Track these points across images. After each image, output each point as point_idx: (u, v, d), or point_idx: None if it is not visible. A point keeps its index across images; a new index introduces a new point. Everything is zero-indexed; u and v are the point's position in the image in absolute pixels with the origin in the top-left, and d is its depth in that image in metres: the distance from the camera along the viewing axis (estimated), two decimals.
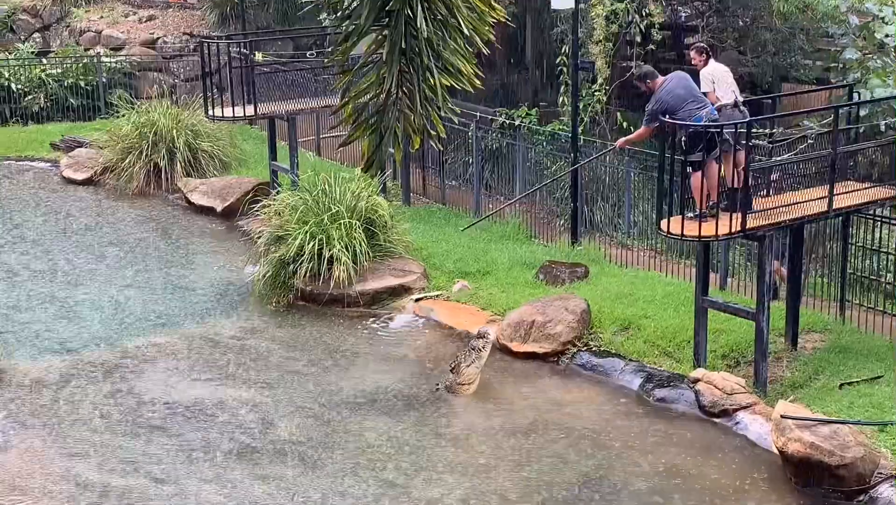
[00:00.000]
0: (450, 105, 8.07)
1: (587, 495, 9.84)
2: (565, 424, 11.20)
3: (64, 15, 29.10)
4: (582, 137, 16.06)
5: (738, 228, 10.86)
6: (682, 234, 11.05)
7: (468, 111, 17.27)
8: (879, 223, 12.65)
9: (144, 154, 19.89)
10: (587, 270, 14.51)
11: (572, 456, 10.53)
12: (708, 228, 10.91)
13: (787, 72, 18.10)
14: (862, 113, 13.38)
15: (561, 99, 17.85)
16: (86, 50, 27.15)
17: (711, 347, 11.92)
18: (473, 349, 11.92)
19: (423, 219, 17.26)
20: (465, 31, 7.83)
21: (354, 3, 7.96)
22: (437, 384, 12.05)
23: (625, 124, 17.18)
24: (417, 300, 14.31)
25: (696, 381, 11.29)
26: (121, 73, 25.71)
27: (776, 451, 9.93)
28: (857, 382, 10.96)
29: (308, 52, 20.50)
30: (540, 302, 13.18)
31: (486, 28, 8.05)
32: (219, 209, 18.63)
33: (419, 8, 7.56)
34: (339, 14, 8.26)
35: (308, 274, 14.35)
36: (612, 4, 17.31)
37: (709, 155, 11.20)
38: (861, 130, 13.29)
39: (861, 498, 9.41)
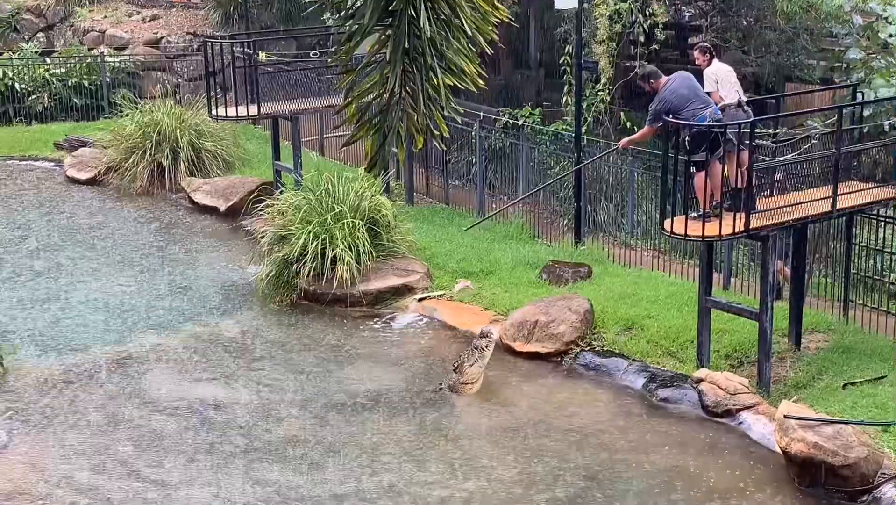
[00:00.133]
0: (453, 105, 8.07)
1: (590, 495, 9.83)
2: (568, 423, 11.20)
3: (68, 14, 29.11)
4: (585, 137, 16.05)
5: (742, 228, 10.85)
6: (686, 235, 11.05)
7: (471, 111, 17.27)
8: (883, 223, 12.63)
9: (148, 154, 19.89)
10: (590, 269, 14.50)
11: (575, 456, 10.53)
12: (711, 228, 10.91)
13: (791, 71, 18.09)
14: (866, 113, 13.37)
15: (564, 99, 17.83)
16: (89, 49, 27.15)
17: (715, 347, 11.91)
18: (476, 348, 11.92)
19: (426, 218, 17.26)
20: (469, 30, 7.83)
21: (358, 3, 7.97)
22: (441, 384, 12.05)
23: (628, 124, 17.18)
24: (421, 300, 14.31)
25: (700, 381, 11.28)
26: (124, 73, 25.72)
27: (779, 451, 9.92)
28: (860, 382, 10.96)
29: (311, 52, 20.49)
30: (543, 302, 13.17)
31: (490, 28, 8.05)
32: (222, 209, 18.64)
33: (422, 8, 7.56)
34: (342, 14, 8.26)
35: (311, 274, 14.36)
36: (615, 4, 17.30)
37: (712, 155, 11.20)
38: (865, 130, 13.29)
39: (864, 498, 9.40)
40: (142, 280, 15.79)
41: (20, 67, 25.31)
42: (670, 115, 11.45)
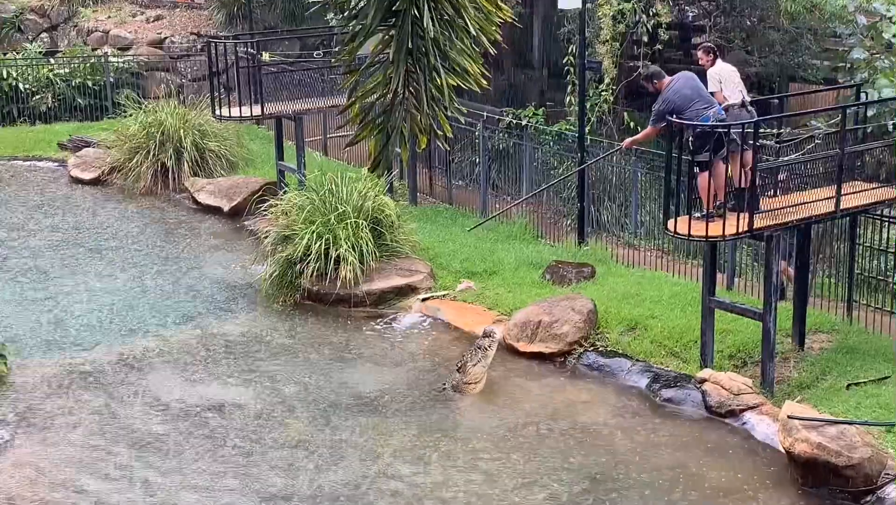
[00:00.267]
0: (456, 105, 8.07)
1: (593, 495, 9.83)
2: (571, 423, 11.20)
3: (71, 15, 29.15)
4: (589, 137, 16.04)
5: (746, 228, 10.85)
6: (689, 235, 11.04)
7: (475, 111, 17.27)
8: (887, 223, 12.62)
9: (152, 154, 19.91)
10: (594, 270, 14.50)
11: (578, 456, 10.53)
12: (715, 228, 10.91)
13: (795, 72, 18.07)
14: (870, 113, 13.34)
15: (568, 99, 17.83)
16: (93, 50, 27.18)
17: (718, 347, 11.90)
18: (480, 348, 11.92)
19: (429, 219, 17.26)
20: (472, 31, 7.84)
21: (361, 3, 7.97)
22: (444, 384, 12.05)
23: (632, 124, 17.16)
24: (424, 300, 14.31)
25: (703, 381, 11.28)
26: (128, 73, 25.74)
27: (783, 451, 9.91)
28: (864, 382, 10.95)
29: (315, 52, 20.50)
30: (546, 302, 13.17)
31: (493, 28, 8.05)
32: (226, 209, 18.66)
33: (426, 8, 7.56)
34: (345, 14, 8.27)
35: (315, 274, 14.36)
36: (619, 4, 17.29)
37: (716, 155, 11.19)
38: (869, 130, 13.26)
39: (868, 499, 9.40)
40: (145, 280, 15.80)
41: (24, 67, 25.33)
42: (674, 116, 11.44)
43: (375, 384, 12.26)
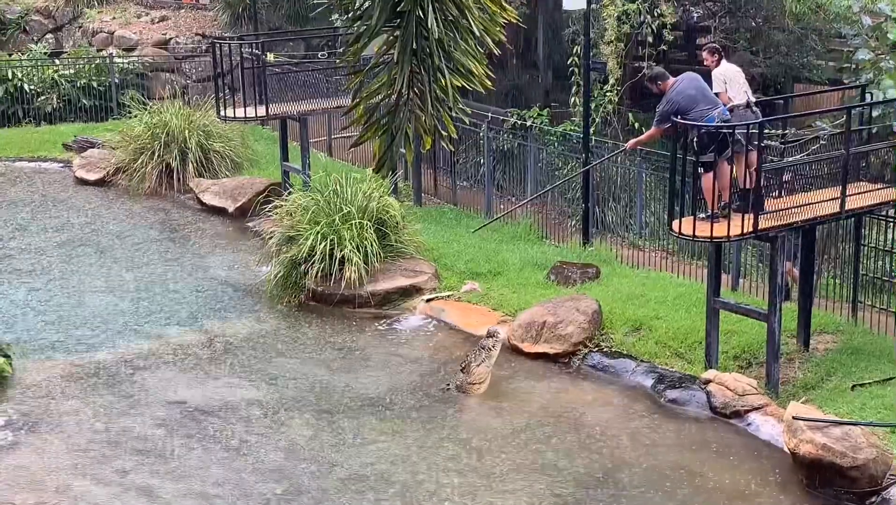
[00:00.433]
0: (461, 105, 8.09)
1: (597, 496, 9.83)
2: (576, 424, 11.20)
3: (76, 16, 29.17)
4: (593, 138, 16.03)
5: (750, 229, 10.84)
6: (694, 235, 11.04)
7: (479, 112, 17.26)
8: (892, 224, 12.60)
9: (157, 155, 19.93)
10: (598, 270, 14.49)
11: (583, 456, 10.52)
12: (720, 229, 10.90)
13: (800, 72, 18.06)
14: (875, 114, 13.34)
15: (572, 99, 17.82)
16: (98, 51, 27.20)
17: (723, 347, 11.90)
18: (483, 348, 11.92)
19: (434, 219, 17.27)
20: (476, 31, 7.85)
21: (366, 4, 7.99)
22: (448, 384, 12.06)
23: (636, 125, 17.16)
24: (428, 301, 14.31)
25: (708, 382, 11.27)
26: (133, 74, 25.76)
27: (788, 452, 9.91)
28: (869, 383, 10.93)
29: (320, 53, 20.51)
30: (551, 303, 13.17)
31: (498, 29, 8.07)
32: (230, 210, 18.67)
33: (430, 9, 7.57)
34: (350, 15, 8.29)
35: (319, 274, 14.37)
36: (623, 5, 17.28)
37: (720, 155, 11.18)
38: (874, 131, 13.25)
39: (873, 500, 9.39)
40: (149, 281, 15.81)
41: (29, 68, 25.36)
42: (678, 116, 11.44)
43: (380, 385, 12.26)
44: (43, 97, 24.99)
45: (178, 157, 19.84)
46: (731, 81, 12.68)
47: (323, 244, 14.36)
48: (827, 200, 11.37)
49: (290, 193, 16.23)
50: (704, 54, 13.36)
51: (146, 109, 20.78)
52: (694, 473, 10.15)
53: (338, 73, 17.07)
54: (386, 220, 15.05)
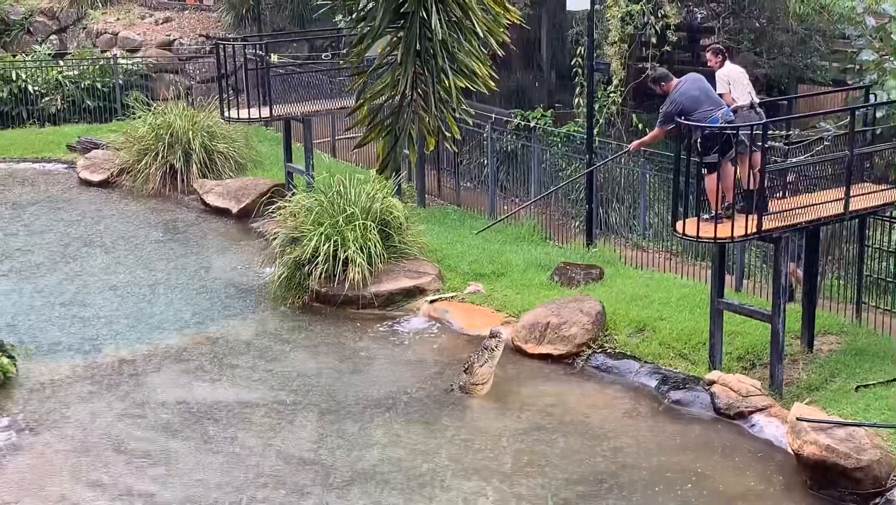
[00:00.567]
0: (464, 107, 8.08)
1: (601, 496, 9.83)
2: (580, 425, 11.19)
3: (81, 17, 29.21)
4: (597, 139, 16.04)
5: (754, 230, 10.84)
6: (698, 236, 11.04)
7: (483, 113, 17.27)
8: None
9: (160, 156, 19.93)
10: (602, 271, 14.49)
11: (586, 457, 10.52)
12: (723, 230, 10.89)
13: (804, 73, 18.04)
14: (878, 114, 13.32)
15: (576, 100, 17.82)
16: (102, 52, 27.23)
17: (727, 349, 11.89)
18: (486, 349, 11.92)
19: (437, 220, 17.27)
20: (480, 32, 7.85)
21: (369, 5, 7.99)
22: (451, 385, 12.06)
23: (640, 126, 17.15)
24: (432, 302, 14.31)
25: (712, 383, 11.26)
26: (137, 75, 25.77)
27: (792, 453, 9.90)
28: (873, 384, 10.93)
29: (323, 54, 20.52)
30: (555, 304, 13.17)
31: (501, 30, 8.06)
32: (234, 210, 18.68)
33: (434, 10, 7.57)
34: (354, 16, 8.29)
35: (323, 275, 14.37)
36: (627, 6, 17.27)
37: (724, 156, 11.18)
38: (878, 132, 13.24)
39: (877, 501, 9.38)
40: (153, 282, 15.82)
41: (33, 69, 25.39)
42: (682, 117, 11.43)
43: (383, 385, 12.26)
44: (47, 98, 25.01)
45: (181, 159, 19.85)
46: (735, 82, 12.68)
47: (326, 245, 14.36)
48: (831, 201, 11.36)
49: (293, 194, 16.24)
50: (708, 55, 13.36)
51: (150, 110, 20.79)
52: (698, 475, 10.14)
53: (341, 74, 17.08)
54: (389, 221, 15.06)
